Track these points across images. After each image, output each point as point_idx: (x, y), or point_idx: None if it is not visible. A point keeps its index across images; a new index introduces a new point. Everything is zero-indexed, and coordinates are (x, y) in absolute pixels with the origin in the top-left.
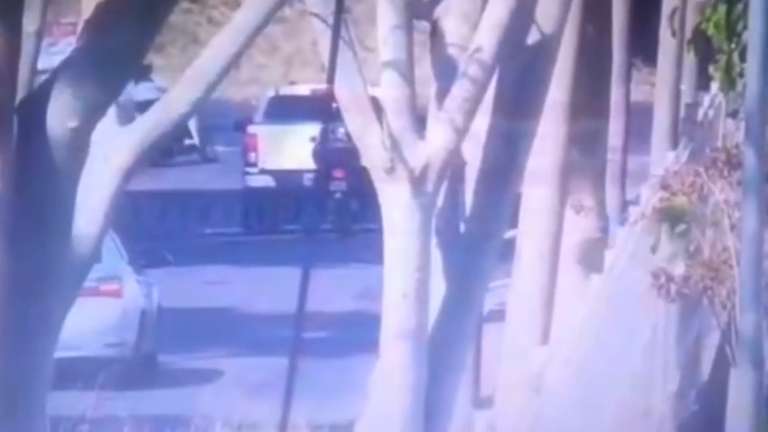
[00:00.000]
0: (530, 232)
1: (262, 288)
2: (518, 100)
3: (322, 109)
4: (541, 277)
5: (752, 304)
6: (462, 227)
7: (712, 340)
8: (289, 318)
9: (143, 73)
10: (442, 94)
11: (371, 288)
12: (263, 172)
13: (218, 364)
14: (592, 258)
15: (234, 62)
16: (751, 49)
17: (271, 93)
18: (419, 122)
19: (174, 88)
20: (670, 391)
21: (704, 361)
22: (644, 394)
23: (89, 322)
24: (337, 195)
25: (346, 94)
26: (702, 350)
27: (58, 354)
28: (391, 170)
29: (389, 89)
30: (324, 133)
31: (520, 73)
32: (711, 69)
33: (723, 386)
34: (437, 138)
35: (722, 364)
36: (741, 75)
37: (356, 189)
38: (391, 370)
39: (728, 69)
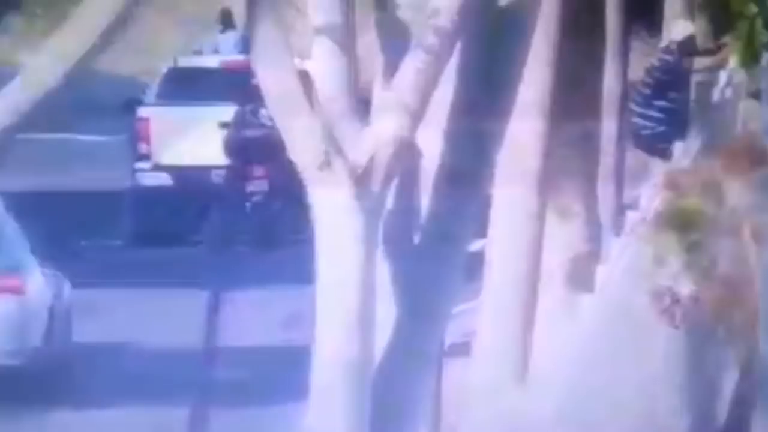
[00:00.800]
0: (503, 243)
1: (157, 316)
2: (486, 78)
3: (236, 86)
4: (516, 299)
5: None
6: (417, 237)
7: (729, 377)
8: (194, 355)
9: None
10: (391, 69)
11: (300, 314)
12: (158, 167)
13: (100, 418)
14: (580, 275)
15: (118, 25)
16: None
17: (168, 65)
18: (362, 105)
19: (37, 58)
20: None
21: (720, 404)
22: None
23: None
24: (257, 197)
25: (267, 67)
26: (717, 390)
27: None
28: (325, 166)
29: (323, 63)
30: (239, 118)
31: (488, 43)
32: (728, 39)
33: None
34: (385, 125)
35: (742, 407)
36: (765, 47)
37: (281, 189)
38: (327, 417)
39: (750, 39)
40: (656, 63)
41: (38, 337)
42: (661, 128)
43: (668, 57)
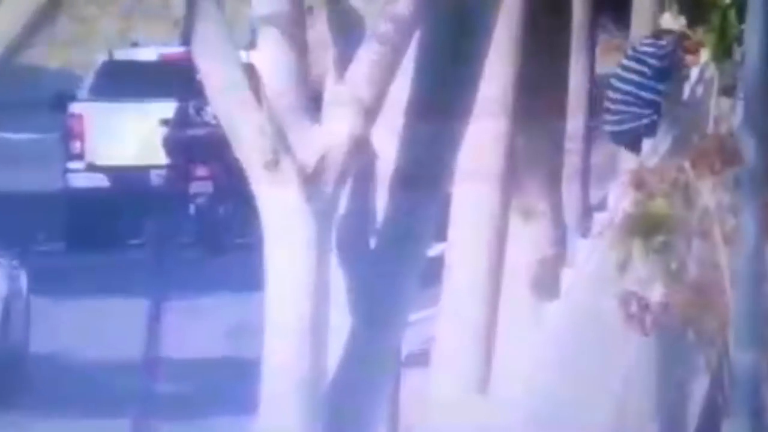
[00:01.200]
0: (463, 246)
1: (94, 327)
2: (446, 71)
3: (177, 80)
4: (477, 305)
5: (749, 338)
6: (372, 240)
7: (700, 384)
8: (134, 368)
9: None
10: (344, 61)
11: (248, 323)
12: (92, 167)
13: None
14: (544, 280)
15: (47, 14)
16: (753, 6)
17: (103, 57)
18: (313, 100)
19: None
20: None
21: (690, 412)
22: None
23: None
24: (200, 199)
25: (209, 60)
26: (687, 398)
27: None
28: (273, 165)
29: (270, 55)
30: (181, 115)
31: (447, 34)
32: (700, 33)
33: None
34: (337, 121)
35: (712, 415)
36: (739, 40)
37: (227, 191)
38: (276, 427)
39: (722, 31)
40: (648, 49)
41: None
42: (655, 117)
43: (662, 43)
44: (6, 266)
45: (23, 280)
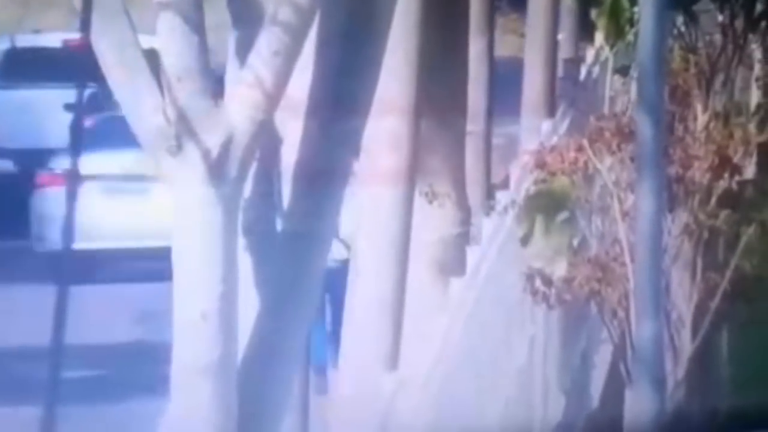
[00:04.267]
0: (368, 227)
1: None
2: (348, 54)
3: (82, 66)
4: (384, 285)
5: (649, 310)
6: (279, 224)
7: (603, 355)
8: (40, 354)
9: None
10: (245, 45)
11: (156, 309)
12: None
13: None
14: (450, 258)
15: None
16: None
17: (4, 44)
18: (215, 84)
19: None
20: (553, 420)
21: (594, 383)
22: (521, 425)
23: None
24: None
25: (107, 46)
26: (591, 369)
27: None
28: (177, 151)
29: (170, 39)
30: (87, 100)
31: (349, 17)
32: (593, 14)
33: (617, 411)
34: (240, 105)
35: (615, 385)
36: (631, 21)
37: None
38: (188, 415)
39: (614, 13)
40: None
41: None
42: None
43: None
44: None
45: None
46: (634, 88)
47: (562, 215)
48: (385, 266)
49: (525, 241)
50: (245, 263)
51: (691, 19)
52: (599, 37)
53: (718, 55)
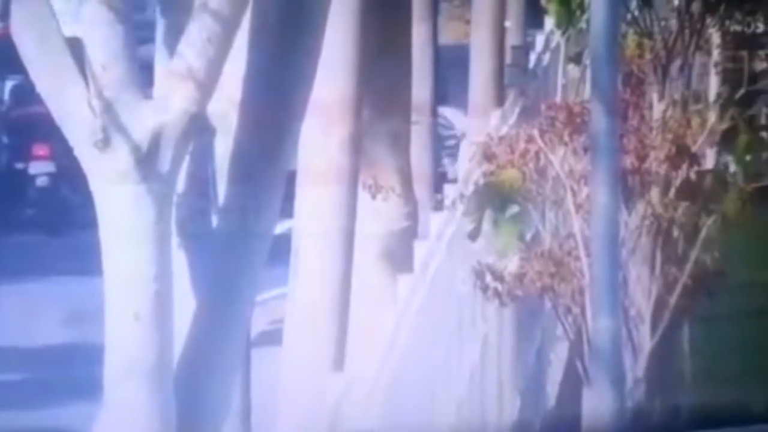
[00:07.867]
0: (310, 223)
1: None
2: (283, 43)
3: (12, 58)
4: (328, 283)
5: (606, 306)
6: (215, 220)
7: (559, 353)
8: None
9: None
10: (174, 34)
11: (87, 309)
12: None
13: None
14: (397, 254)
15: None
16: None
17: None
18: (144, 73)
19: None
20: (508, 421)
21: (550, 381)
22: (474, 427)
23: None
24: (41, 180)
25: (28, 37)
26: (546, 367)
27: None
28: (104, 144)
29: (95, 27)
30: (18, 91)
31: (283, 3)
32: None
33: (575, 411)
34: (171, 96)
35: (573, 384)
36: (582, 6)
37: (70, 171)
38: (122, 421)
39: (565, 0)
40: None
41: None
42: None
43: None
44: None
45: None
46: (587, 75)
47: (512, 209)
48: (329, 264)
49: (474, 235)
50: (180, 261)
51: (646, 2)
52: (549, 22)
53: (674, 41)
